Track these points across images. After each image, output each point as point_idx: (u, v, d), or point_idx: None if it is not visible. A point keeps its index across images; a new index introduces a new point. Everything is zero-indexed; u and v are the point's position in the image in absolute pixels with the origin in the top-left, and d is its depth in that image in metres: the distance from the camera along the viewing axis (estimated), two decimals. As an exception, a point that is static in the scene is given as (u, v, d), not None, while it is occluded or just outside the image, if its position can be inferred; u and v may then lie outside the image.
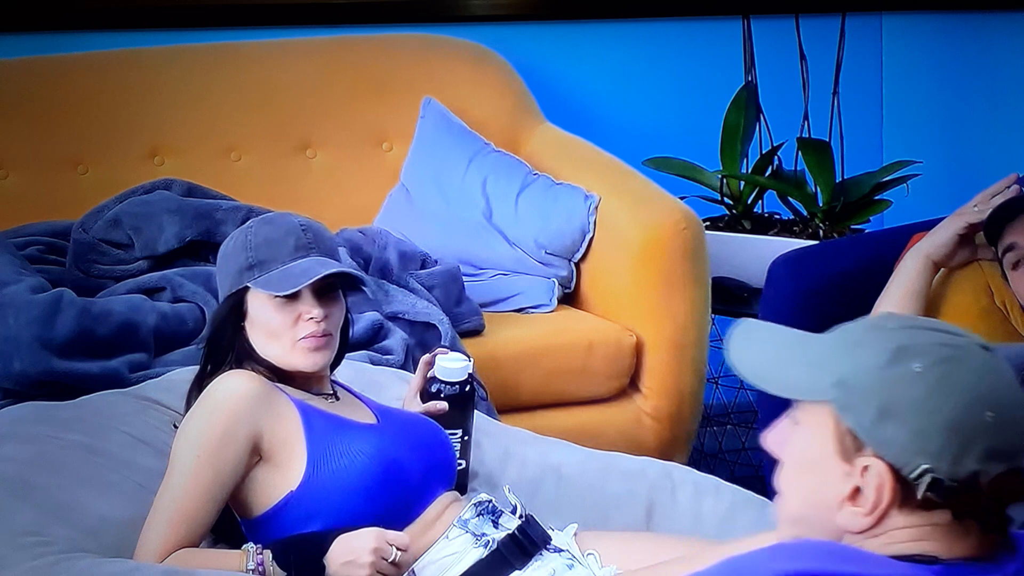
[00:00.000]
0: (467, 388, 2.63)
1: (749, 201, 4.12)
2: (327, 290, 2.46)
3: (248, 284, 2.45)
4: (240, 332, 2.47)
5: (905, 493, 1.51)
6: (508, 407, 3.44)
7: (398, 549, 2.31)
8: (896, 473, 1.51)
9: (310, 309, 2.44)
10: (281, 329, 2.44)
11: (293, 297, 2.43)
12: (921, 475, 1.50)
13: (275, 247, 2.45)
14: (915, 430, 1.50)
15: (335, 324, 2.48)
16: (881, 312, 1.65)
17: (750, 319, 1.69)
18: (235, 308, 2.47)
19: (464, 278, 3.64)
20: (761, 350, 1.63)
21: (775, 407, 1.62)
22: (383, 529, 2.33)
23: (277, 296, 2.43)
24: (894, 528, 1.53)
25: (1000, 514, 1.53)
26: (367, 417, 2.52)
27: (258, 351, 2.47)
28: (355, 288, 2.59)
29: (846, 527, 1.54)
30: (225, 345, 2.48)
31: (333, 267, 2.45)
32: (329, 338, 2.47)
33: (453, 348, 3.19)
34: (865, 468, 1.52)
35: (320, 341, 2.45)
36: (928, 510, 1.51)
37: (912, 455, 1.50)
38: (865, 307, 3.01)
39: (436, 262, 3.67)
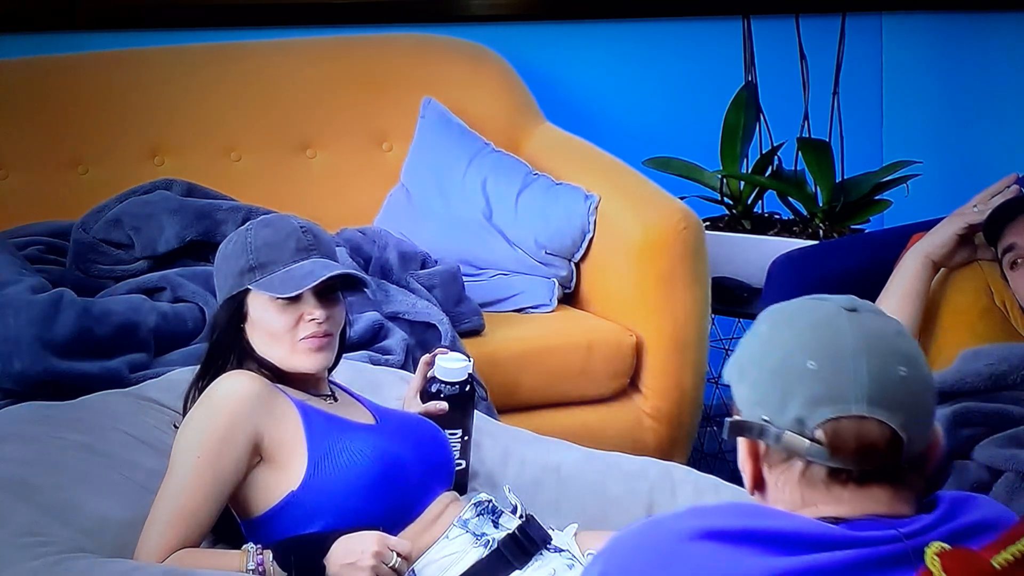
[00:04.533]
0: (467, 388, 2.64)
1: (749, 201, 4.12)
2: (328, 291, 2.47)
3: (249, 286, 2.45)
4: (240, 333, 2.48)
5: (762, 449, 1.60)
6: (508, 407, 3.44)
7: (399, 555, 2.31)
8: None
9: (312, 310, 2.44)
10: (283, 330, 2.44)
11: (295, 299, 2.44)
12: (759, 425, 1.58)
13: (276, 249, 2.45)
14: (751, 382, 1.59)
15: (336, 325, 2.48)
16: None
17: None
18: (236, 310, 2.47)
19: (464, 278, 3.64)
20: None
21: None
22: (385, 533, 2.34)
23: (279, 298, 2.43)
24: (775, 487, 1.59)
25: (882, 468, 1.57)
26: (366, 418, 2.52)
27: (259, 352, 2.47)
28: (355, 289, 2.59)
29: (745, 486, 1.63)
30: (226, 347, 2.48)
31: (336, 269, 2.45)
32: (331, 338, 2.47)
33: (453, 348, 3.19)
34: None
35: (322, 341, 2.45)
36: (786, 462, 1.58)
37: (751, 407, 1.59)
38: (865, 307, 3.01)
39: (436, 262, 3.67)
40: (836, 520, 1.56)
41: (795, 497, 1.59)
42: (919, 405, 1.58)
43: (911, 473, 1.59)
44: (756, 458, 1.60)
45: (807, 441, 1.55)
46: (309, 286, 2.42)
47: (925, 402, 1.59)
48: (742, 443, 1.61)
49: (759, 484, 1.62)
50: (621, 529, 1.64)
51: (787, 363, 1.57)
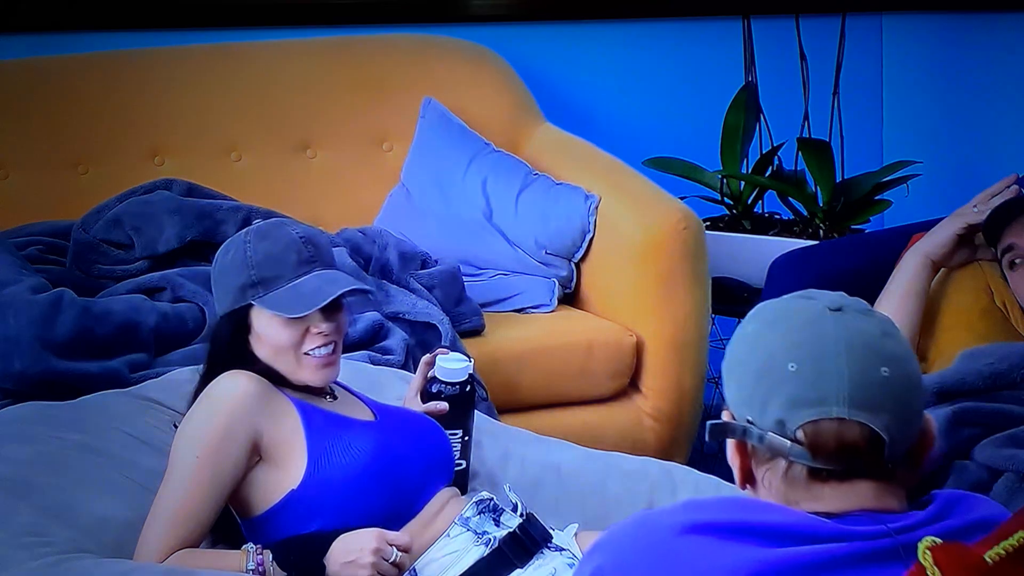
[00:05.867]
0: (467, 388, 2.64)
1: (749, 201, 4.12)
2: (332, 303, 2.46)
3: (252, 302, 2.44)
4: (245, 345, 2.47)
5: (749, 446, 1.62)
6: (508, 407, 3.44)
7: (399, 550, 2.31)
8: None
9: (319, 324, 2.43)
10: (289, 345, 2.44)
11: None
12: (741, 427, 1.60)
13: (277, 263, 2.43)
14: (737, 382, 1.62)
15: (340, 333, 2.48)
16: None
17: None
18: (239, 323, 2.46)
19: (464, 278, 3.64)
20: None
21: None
22: (384, 530, 2.34)
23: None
24: (763, 482, 1.61)
25: (865, 466, 1.57)
26: (366, 415, 2.53)
27: (264, 362, 2.46)
28: (357, 295, 2.58)
29: (735, 480, 1.65)
30: (229, 360, 2.47)
31: (343, 286, 2.43)
32: (336, 348, 2.47)
33: (453, 348, 3.19)
34: None
35: (330, 357, 2.45)
36: (771, 460, 1.60)
37: (737, 407, 1.61)
38: (865, 307, 3.01)
39: (436, 262, 3.67)
40: (824, 516, 1.57)
41: (779, 494, 1.60)
42: (903, 405, 1.58)
43: (899, 470, 1.59)
44: (744, 454, 1.62)
45: (788, 442, 1.57)
46: (318, 306, 2.41)
47: (910, 401, 1.59)
48: (730, 439, 1.63)
49: (749, 478, 1.63)
50: (615, 523, 1.66)
51: (770, 364, 1.59)
